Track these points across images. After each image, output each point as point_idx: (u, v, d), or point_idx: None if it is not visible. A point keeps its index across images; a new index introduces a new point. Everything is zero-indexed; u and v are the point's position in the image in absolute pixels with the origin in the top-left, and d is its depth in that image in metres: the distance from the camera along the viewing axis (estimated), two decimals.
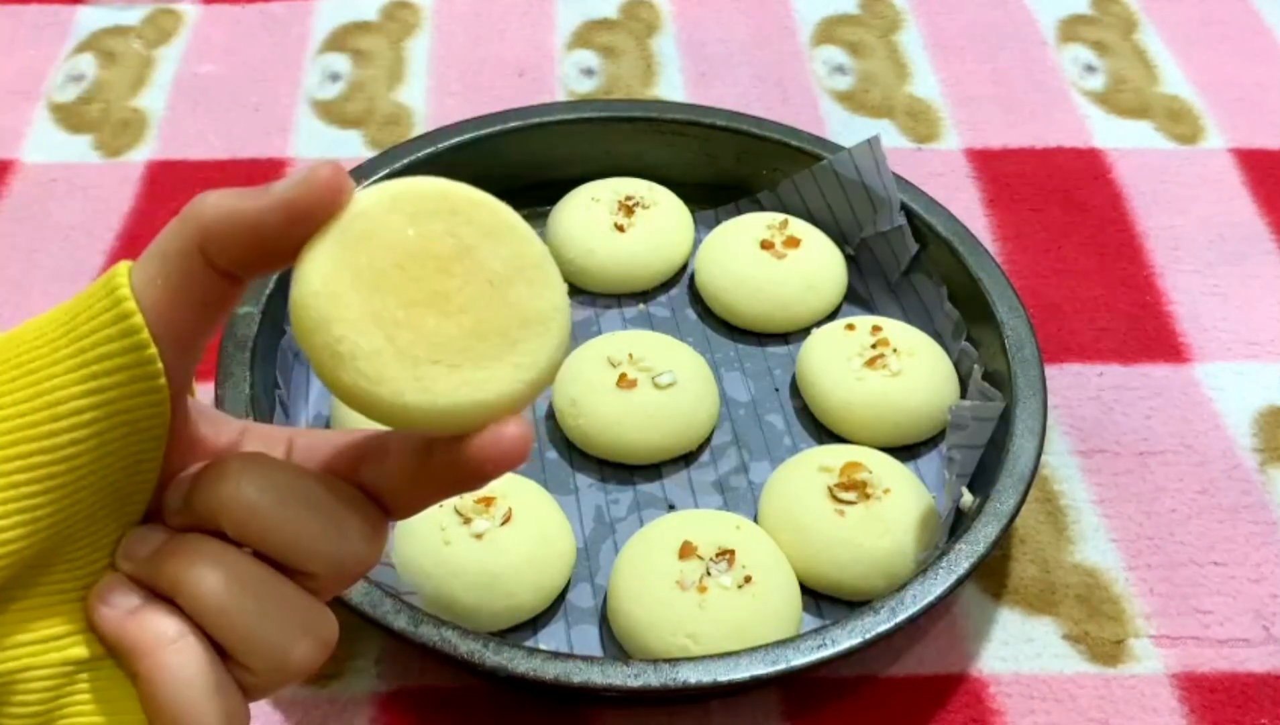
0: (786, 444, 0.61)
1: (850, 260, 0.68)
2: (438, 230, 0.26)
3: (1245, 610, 0.56)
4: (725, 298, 0.66)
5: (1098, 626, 0.55)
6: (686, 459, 0.61)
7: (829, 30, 0.88)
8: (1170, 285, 0.70)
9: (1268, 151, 0.78)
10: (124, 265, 0.27)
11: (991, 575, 0.57)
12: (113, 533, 0.29)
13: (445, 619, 0.48)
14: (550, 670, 0.47)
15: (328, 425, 0.60)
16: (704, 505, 0.59)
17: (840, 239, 0.68)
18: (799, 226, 0.67)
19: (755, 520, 0.56)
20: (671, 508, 0.58)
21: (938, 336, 0.64)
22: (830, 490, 0.55)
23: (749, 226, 0.68)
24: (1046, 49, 0.87)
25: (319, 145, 0.77)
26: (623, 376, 0.59)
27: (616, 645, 0.53)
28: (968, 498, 0.55)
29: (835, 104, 0.81)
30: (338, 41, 0.86)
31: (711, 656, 0.47)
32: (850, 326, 0.63)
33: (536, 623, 0.54)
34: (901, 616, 0.48)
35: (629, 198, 0.68)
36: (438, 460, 0.28)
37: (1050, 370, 0.63)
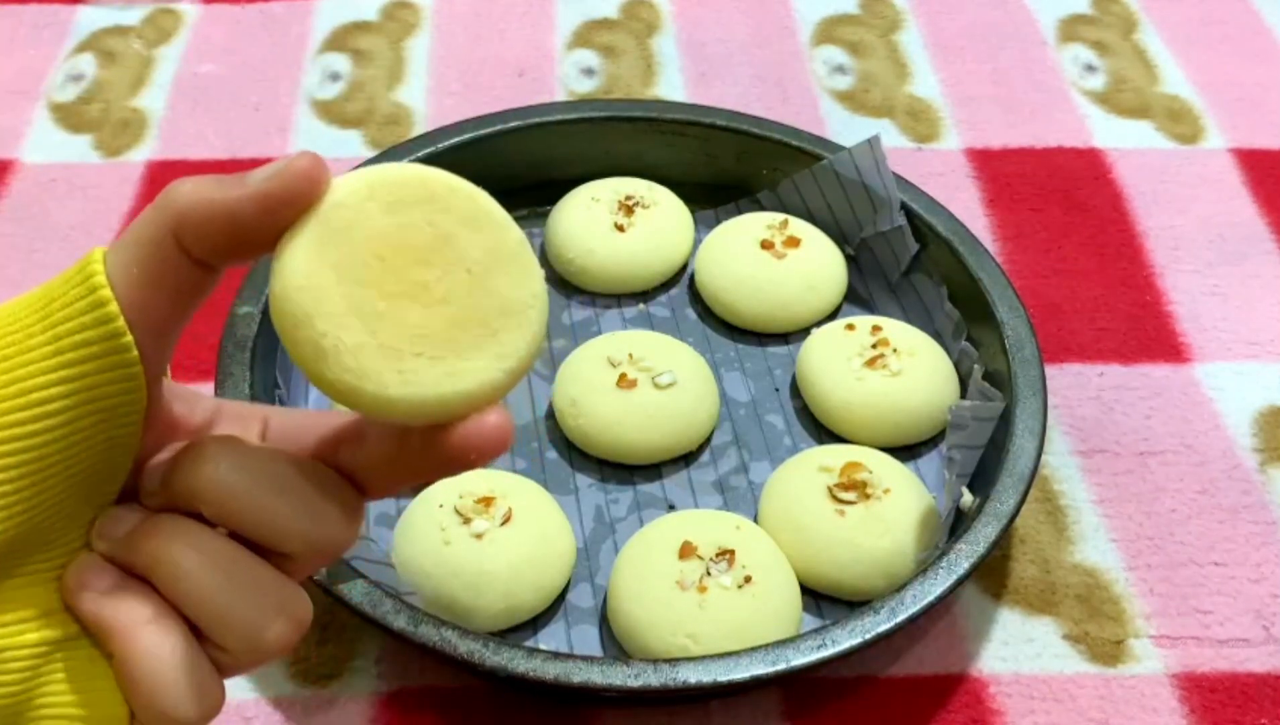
0: (786, 444, 0.61)
1: (850, 260, 0.68)
2: (416, 219, 0.27)
3: (1245, 610, 0.56)
4: (725, 298, 0.66)
5: (1098, 626, 0.55)
6: (686, 459, 0.61)
7: (829, 30, 0.88)
8: (1170, 285, 0.70)
9: (1268, 151, 0.78)
10: (99, 251, 0.27)
11: (991, 575, 0.57)
12: (87, 514, 0.29)
13: (445, 619, 0.48)
14: (550, 670, 0.47)
15: None
16: (704, 505, 0.59)
17: (840, 239, 0.68)
18: (799, 226, 0.67)
19: (755, 520, 0.56)
20: (671, 508, 0.58)
21: (938, 336, 0.64)
22: (830, 490, 0.55)
23: (749, 226, 0.68)
24: (1046, 49, 0.87)
25: (319, 145, 0.77)
26: (623, 376, 0.59)
27: (616, 645, 0.53)
28: (968, 498, 0.55)
29: (835, 104, 0.81)
30: (338, 41, 0.86)
31: (711, 656, 0.47)
32: (850, 326, 0.63)
33: (536, 623, 0.54)
34: (901, 616, 0.48)
35: (629, 198, 0.68)
36: (417, 446, 0.28)
37: (1050, 370, 0.63)
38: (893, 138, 0.79)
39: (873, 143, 0.65)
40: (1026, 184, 0.76)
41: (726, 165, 0.71)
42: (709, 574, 0.51)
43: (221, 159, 0.77)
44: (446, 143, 0.68)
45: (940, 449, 0.61)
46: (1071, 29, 0.88)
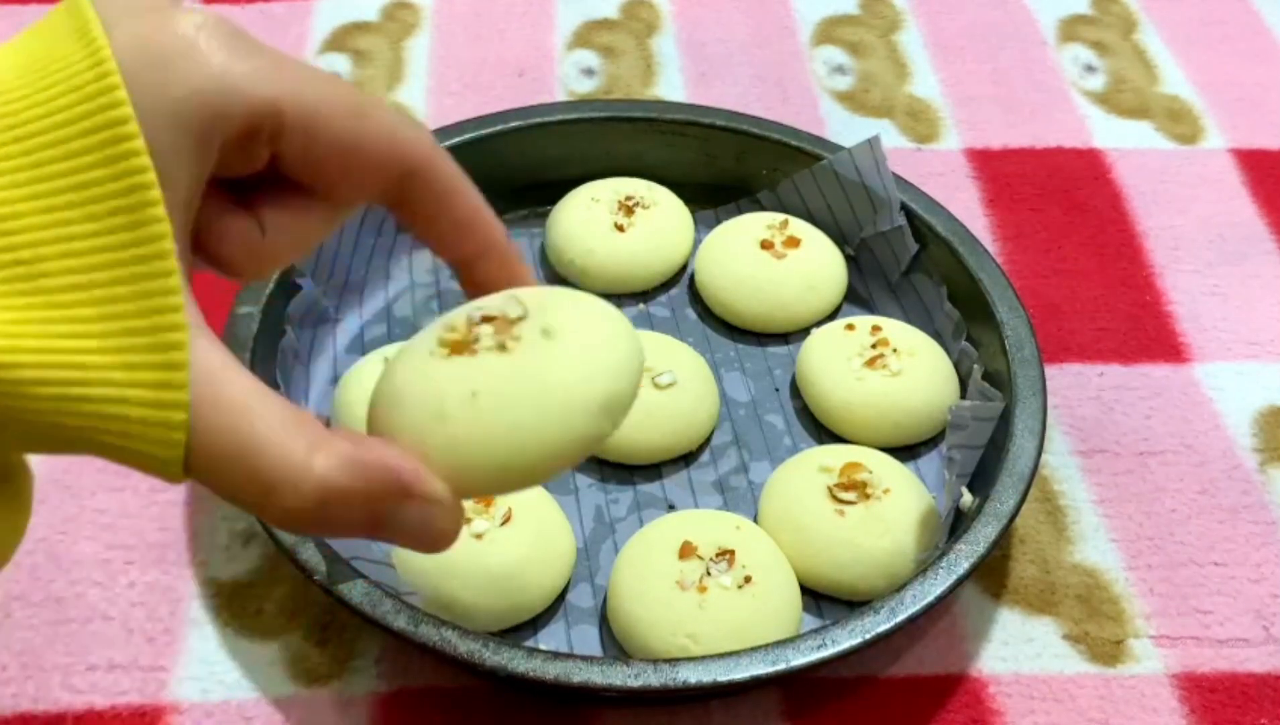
0: (786, 444, 0.61)
1: (850, 260, 0.68)
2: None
3: (1245, 610, 0.56)
4: (725, 298, 0.66)
5: (1098, 626, 0.55)
6: (686, 459, 0.61)
7: (829, 30, 0.88)
8: (1170, 285, 0.70)
9: (1268, 151, 0.79)
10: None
11: (991, 575, 0.57)
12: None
13: (445, 619, 0.48)
14: (550, 670, 0.47)
15: (327, 424, 0.60)
16: (704, 505, 0.59)
17: (840, 239, 0.68)
18: (799, 226, 0.67)
19: (755, 520, 0.56)
20: (671, 508, 0.58)
21: (938, 336, 0.64)
22: (830, 490, 0.55)
23: (749, 226, 0.68)
24: (1046, 49, 0.87)
25: None
26: None
27: (616, 645, 0.53)
28: (968, 498, 0.55)
29: (835, 104, 0.81)
30: (338, 41, 0.86)
31: (711, 656, 0.47)
32: (850, 326, 0.63)
33: (536, 623, 0.54)
34: (901, 617, 0.48)
35: (629, 198, 0.68)
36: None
37: (1050, 370, 0.63)
38: (892, 138, 0.79)
39: (873, 143, 0.65)
40: (1026, 184, 0.76)
41: (726, 165, 0.71)
42: (709, 574, 0.51)
43: None
44: (446, 143, 0.67)
45: (940, 449, 0.61)
46: (1071, 29, 0.88)
